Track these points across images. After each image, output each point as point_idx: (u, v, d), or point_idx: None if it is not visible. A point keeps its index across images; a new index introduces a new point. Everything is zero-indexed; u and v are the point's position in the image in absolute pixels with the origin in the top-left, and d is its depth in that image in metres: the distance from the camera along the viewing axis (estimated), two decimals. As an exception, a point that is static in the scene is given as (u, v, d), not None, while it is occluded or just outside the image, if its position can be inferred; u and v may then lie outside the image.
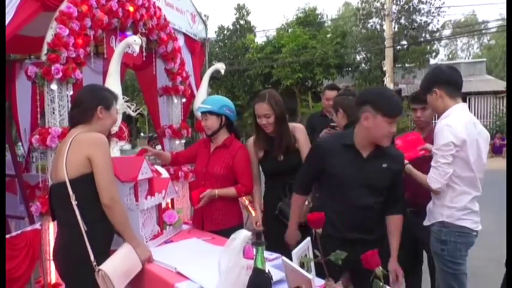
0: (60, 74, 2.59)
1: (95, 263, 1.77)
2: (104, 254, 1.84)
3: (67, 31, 2.64)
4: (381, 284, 1.21)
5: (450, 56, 33.84)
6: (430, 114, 2.70)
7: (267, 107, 2.50)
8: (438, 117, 2.32)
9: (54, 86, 2.60)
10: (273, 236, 2.40)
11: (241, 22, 20.41)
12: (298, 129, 2.65)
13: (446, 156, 2.12)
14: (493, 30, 24.39)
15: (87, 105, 1.91)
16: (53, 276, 2.63)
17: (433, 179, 2.17)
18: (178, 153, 3.01)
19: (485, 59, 23.41)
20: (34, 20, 2.66)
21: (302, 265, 1.56)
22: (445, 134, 2.12)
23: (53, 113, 2.63)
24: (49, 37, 2.59)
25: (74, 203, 1.77)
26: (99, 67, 4.50)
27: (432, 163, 2.18)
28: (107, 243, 1.91)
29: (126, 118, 5.56)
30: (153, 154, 2.75)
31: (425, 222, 2.35)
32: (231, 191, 2.53)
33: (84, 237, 1.78)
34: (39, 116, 2.77)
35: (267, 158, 2.63)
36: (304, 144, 2.60)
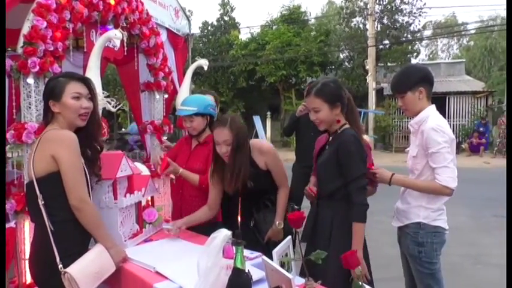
0: (37, 67, 2.51)
1: (60, 265, 1.69)
2: (75, 254, 1.76)
3: (45, 23, 2.56)
4: (360, 283, 1.21)
5: (431, 56, 34.42)
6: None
7: (228, 132, 2.24)
8: (408, 117, 2.33)
9: (30, 80, 2.52)
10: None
11: (226, 18, 20.32)
12: (266, 152, 2.38)
13: (450, 153, 2.12)
14: (472, 31, 24.93)
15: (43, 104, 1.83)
16: (28, 276, 2.56)
17: (450, 178, 2.10)
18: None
19: (464, 60, 23.88)
20: (11, 11, 2.58)
21: (282, 264, 1.56)
22: (441, 133, 2.12)
23: (29, 107, 2.55)
24: (26, 29, 2.51)
25: (41, 202, 1.71)
26: (79, 61, 4.40)
27: (440, 164, 2.11)
28: (78, 244, 1.81)
29: (108, 114, 5.47)
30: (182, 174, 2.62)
31: (396, 223, 2.37)
32: (194, 176, 2.52)
33: (50, 237, 1.70)
34: (14, 111, 2.68)
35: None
36: (274, 166, 2.39)
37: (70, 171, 1.71)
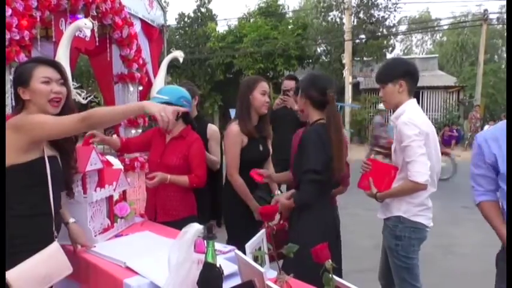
0: (2, 57, 2.41)
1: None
2: (28, 252, 1.62)
3: (10, 11, 2.47)
4: (331, 275, 1.22)
5: (405, 51, 35.03)
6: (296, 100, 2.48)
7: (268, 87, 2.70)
8: (391, 110, 2.36)
9: (-5, 70, 2.42)
10: (243, 236, 2.02)
11: (203, 10, 20.04)
12: None
13: (422, 146, 2.11)
14: (445, 27, 25.50)
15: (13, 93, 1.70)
16: None
17: (418, 173, 2.08)
18: (129, 139, 2.89)
19: (437, 55, 24.40)
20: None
21: (256, 258, 1.55)
22: (412, 126, 2.13)
23: (-6, 98, 2.45)
24: (-11, 17, 2.41)
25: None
26: (48, 51, 4.26)
27: (410, 158, 2.11)
28: (31, 242, 1.65)
29: (80, 106, 5.33)
30: (100, 140, 2.58)
31: (380, 216, 2.40)
32: (183, 178, 2.48)
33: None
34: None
35: (249, 146, 2.63)
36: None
37: (34, 117, 1.60)
